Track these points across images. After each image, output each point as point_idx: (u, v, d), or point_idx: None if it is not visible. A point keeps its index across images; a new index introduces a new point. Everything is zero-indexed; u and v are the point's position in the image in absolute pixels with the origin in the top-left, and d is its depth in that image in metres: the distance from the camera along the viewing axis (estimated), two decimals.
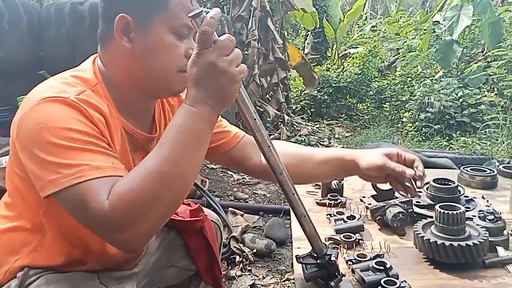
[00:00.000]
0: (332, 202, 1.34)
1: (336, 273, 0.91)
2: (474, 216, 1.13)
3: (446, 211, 0.98)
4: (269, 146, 0.84)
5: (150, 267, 1.16)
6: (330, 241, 1.11)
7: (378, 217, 1.20)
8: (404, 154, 1.06)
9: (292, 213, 0.94)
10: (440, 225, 1.00)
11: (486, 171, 1.54)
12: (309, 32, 9.50)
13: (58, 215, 0.84)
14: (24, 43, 2.87)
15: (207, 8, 5.53)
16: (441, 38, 6.30)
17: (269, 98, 5.57)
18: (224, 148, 1.13)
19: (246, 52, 4.94)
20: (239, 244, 2.36)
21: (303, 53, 7.43)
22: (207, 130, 0.77)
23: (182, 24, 0.87)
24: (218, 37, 0.73)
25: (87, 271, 0.93)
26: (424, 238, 0.99)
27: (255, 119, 0.81)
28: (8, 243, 0.92)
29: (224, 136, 1.13)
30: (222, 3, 5.71)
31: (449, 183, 1.31)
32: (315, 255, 0.91)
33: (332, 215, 1.24)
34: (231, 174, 3.67)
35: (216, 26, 0.72)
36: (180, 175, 0.74)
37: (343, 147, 5.03)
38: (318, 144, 4.66)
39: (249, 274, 2.20)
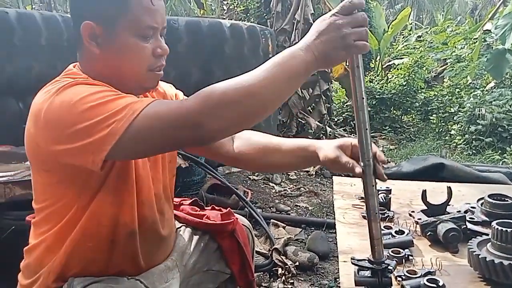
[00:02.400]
0: (380, 216, 1.31)
1: (389, 286, 0.88)
2: None
3: (504, 229, 0.94)
4: (366, 129, 0.85)
5: (190, 268, 1.21)
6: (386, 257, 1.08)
7: (429, 233, 1.15)
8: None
9: (337, 222, 0.93)
10: (498, 243, 0.95)
11: None
12: None
13: (93, 196, 0.91)
14: (62, 59, 3.04)
15: (251, 22, 5.65)
16: (492, 48, 6.03)
17: (311, 110, 5.55)
18: None
19: None
20: (282, 256, 2.35)
21: (346, 65, 7.36)
22: (303, 74, 0.82)
23: (145, 27, 0.92)
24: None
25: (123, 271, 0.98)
26: (480, 257, 0.95)
27: (363, 98, 0.84)
28: (45, 250, 0.97)
29: None
30: (266, 16, 5.80)
31: (506, 199, 1.24)
32: (373, 261, 0.89)
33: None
34: (273, 186, 3.68)
35: (362, 6, 0.80)
36: (263, 97, 0.80)
37: (387, 160, 4.90)
38: None
39: (292, 287, 2.18)
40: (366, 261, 0.89)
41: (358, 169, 0.91)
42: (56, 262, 0.95)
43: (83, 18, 0.91)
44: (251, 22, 5.46)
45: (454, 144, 5.49)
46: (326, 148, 1.02)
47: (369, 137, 0.86)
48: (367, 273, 0.89)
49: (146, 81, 0.97)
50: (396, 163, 4.57)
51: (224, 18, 6.25)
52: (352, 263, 0.91)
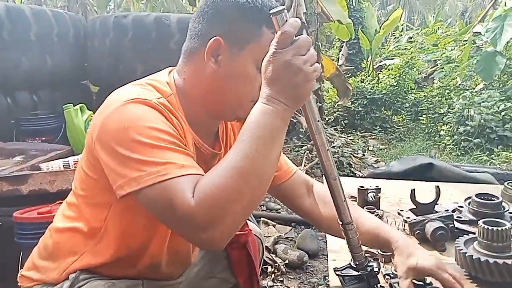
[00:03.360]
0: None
1: (377, 286, 0.89)
2: None
3: (490, 227, 0.95)
4: (327, 150, 0.84)
5: (193, 276, 1.19)
6: (366, 255, 1.09)
7: (417, 232, 1.17)
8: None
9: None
10: (484, 241, 0.96)
11: None
12: (344, 43, 9.45)
13: (126, 216, 0.88)
14: (70, 55, 3.02)
15: None
16: (482, 50, 6.10)
17: (301, 109, 5.55)
18: (275, 181, 1.10)
19: None
20: (271, 254, 2.36)
21: (337, 64, 7.39)
22: (282, 127, 0.77)
23: None
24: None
25: (136, 277, 0.96)
26: (467, 255, 0.96)
27: (318, 121, 0.82)
28: (69, 242, 0.95)
29: (277, 169, 1.09)
30: None
31: (493, 199, 1.26)
32: (355, 266, 0.89)
33: None
34: None
35: (298, 28, 0.74)
36: (258, 171, 0.75)
37: (377, 160, 4.94)
38: (351, 156, 4.59)
39: (281, 285, 2.19)
40: (349, 268, 0.90)
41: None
42: (77, 258, 0.94)
43: (213, 33, 0.88)
44: None
45: (443, 144, 5.55)
46: (414, 258, 0.92)
47: (330, 157, 0.85)
48: (353, 280, 0.89)
49: (244, 111, 0.90)
50: (386, 163, 4.60)
51: None
52: (337, 274, 0.91)
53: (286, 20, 0.75)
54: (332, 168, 0.85)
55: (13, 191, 1.67)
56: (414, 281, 0.91)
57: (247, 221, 1.27)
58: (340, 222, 0.89)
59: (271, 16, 0.76)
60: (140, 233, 0.93)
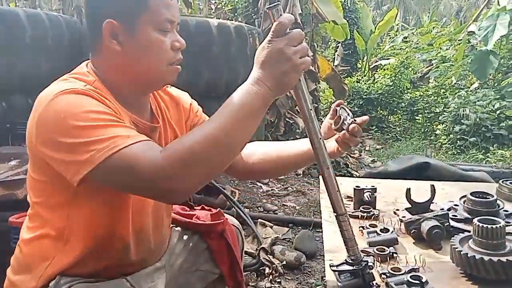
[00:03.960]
0: (365, 214, 1.32)
1: (372, 283, 0.89)
2: None
3: (485, 225, 0.96)
4: (320, 138, 0.87)
5: (177, 268, 1.20)
6: (363, 254, 1.10)
7: (413, 230, 1.17)
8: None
9: (323, 220, 0.95)
10: (479, 239, 0.97)
11: None
12: (339, 44, 9.48)
13: (87, 207, 0.90)
14: (65, 58, 3.01)
15: (239, 21, 5.64)
16: (476, 49, 6.13)
17: (299, 110, 5.56)
18: None
19: None
20: (269, 255, 2.36)
21: (333, 65, 7.41)
22: (262, 109, 0.83)
23: (164, 20, 0.93)
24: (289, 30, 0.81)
25: (113, 270, 0.97)
26: (462, 253, 0.96)
27: (311, 109, 0.86)
28: (39, 250, 0.96)
29: None
30: (253, 16, 5.81)
31: (488, 197, 1.27)
32: (351, 261, 0.90)
33: (365, 228, 1.22)
34: (260, 186, 3.68)
35: (292, 22, 0.81)
36: (229, 143, 0.80)
37: (374, 160, 4.95)
38: (348, 156, 4.61)
39: (279, 286, 2.19)
40: (345, 264, 0.90)
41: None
42: (51, 265, 0.94)
43: (103, 17, 0.90)
44: (238, 22, 5.45)
45: (439, 143, 5.57)
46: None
47: (323, 145, 0.88)
48: (349, 276, 0.90)
49: (166, 76, 0.98)
50: (382, 163, 4.62)
51: (211, 17, 6.24)
52: (332, 270, 0.92)
53: (281, 14, 0.81)
54: (325, 157, 0.88)
55: (9, 195, 1.67)
56: (409, 279, 0.92)
57: (225, 214, 1.32)
58: (334, 214, 0.91)
59: (267, 10, 0.82)
60: (104, 220, 0.94)
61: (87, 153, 0.78)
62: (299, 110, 0.88)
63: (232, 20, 5.98)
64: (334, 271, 0.92)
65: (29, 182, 0.97)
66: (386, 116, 7.27)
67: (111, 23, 0.90)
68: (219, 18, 6.24)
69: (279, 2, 0.82)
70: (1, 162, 2.03)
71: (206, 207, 1.35)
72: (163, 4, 0.92)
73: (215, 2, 7.15)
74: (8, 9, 3.19)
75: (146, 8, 0.91)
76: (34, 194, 0.96)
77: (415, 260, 1.06)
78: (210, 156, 0.79)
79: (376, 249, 1.08)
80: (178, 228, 1.26)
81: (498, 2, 5.83)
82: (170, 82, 1.01)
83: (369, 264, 0.89)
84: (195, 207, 1.36)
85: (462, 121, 5.31)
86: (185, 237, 1.25)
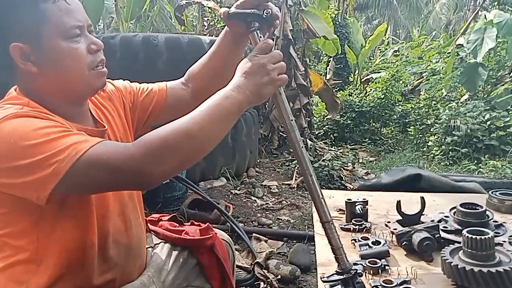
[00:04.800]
0: (357, 227, 1.33)
1: None
2: (505, 241, 1.10)
3: (474, 236, 0.97)
4: (302, 147, 0.93)
5: (169, 285, 1.19)
6: (355, 267, 1.10)
7: (404, 243, 1.18)
8: None
9: (316, 234, 0.96)
10: (469, 250, 0.98)
11: None
12: (331, 59, 9.59)
13: (55, 225, 0.89)
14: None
15: None
16: (466, 61, 6.24)
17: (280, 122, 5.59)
18: (161, 102, 1.19)
19: None
20: (263, 270, 2.34)
21: (325, 79, 7.49)
22: (236, 114, 0.89)
23: (69, 27, 0.90)
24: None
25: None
26: (452, 264, 0.97)
27: (291, 120, 0.94)
28: (12, 276, 0.92)
29: (153, 94, 1.19)
30: None
31: (477, 208, 1.28)
32: (340, 271, 0.91)
33: (357, 241, 1.23)
34: (255, 200, 3.68)
35: (273, 45, 0.92)
36: (201, 139, 0.86)
37: (367, 172, 4.97)
38: (342, 169, 4.63)
39: None
40: (335, 274, 0.91)
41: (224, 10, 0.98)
42: (25, 287, 0.91)
43: (8, 42, 0.88)
44: None
45: (432, 155, 5.62)
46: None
47: (306, 153, 0.94)
48: (340, 286, 0.91)
49: (92, 81, 0.96)
50: (376, 175, 4.64)
51: (205, 34, 6.30)
52: (323, 281, 0.93)
53: (260, 37, 0.94)
54: (308, 164, 0.93)
55: None
56: None
57: (216, 227, 1.31)
58: (321, 222, 0.94)
59: (249, 33, 0.94)
60: (73, 233, 0.93)
61: (49, 166, 0.78)
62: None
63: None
64: (325, 282, 0.92)
65: None
66: (379, 129, 7.33)
67: (18, 46, 0.88)
68: (212, 35, 6.31)
69: (257, 26, 0.94)
70: None
71: (195, 223, 1.35)
72: (62, 12, 0.89)
73: (208, 19, 7.23)
74: None
75: (46, 21, 0.88)
76: None
77: (407, 272, 1.07)
78: (182, 145, 0.83)
79: (368, 262, 1.09)
80: (168, 244, 1.25)
81: (485, 16, 5.96)
82: (100, 86, 0.99)
83: (359, 271, 0.89)
84: (184, 223, 1.36)
85: (453, 132, 5.37)
86: (174, 253, 1.24)
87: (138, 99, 1.17)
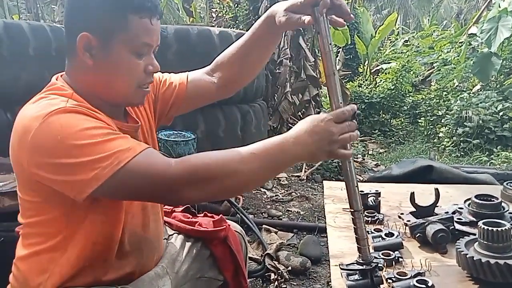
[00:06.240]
0: (369, 219, 1.32)
1: (380, 284, 0.89)
2: None
3: (490, 228, 0.96)
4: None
5: (183, 276, 1.20)
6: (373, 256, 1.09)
7: (418, 234, 1.17)
8: None
9: (328, 226, 0.95)
10: (484, 242, 0.97)
11: None
12: (340, 49, 9.50)
13: (86, 214, 0.90)
14: (51, 68, 3.03)
15: (240, 29, 5.67)
16: (478, 51, 6.14)
17: (301, 116, 5.57)
18: (182, 95, 1.17)
19: (278, 70, 5.00)
20: (274, 261, 2.35)
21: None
22: (286, 166, 0.91)
23: (141, 44, 0.93)
24: None
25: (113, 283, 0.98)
26: (468, 256, 0.96)
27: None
28: (36, 264, 0.95)
29: (174, 87, 1.17)
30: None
31: (492, 199, 1.27)
32: (361, 261, 0.90)
33: (370, 232, 1.22)
34: (264, 191, 3.68)
35: (351, 114, 0.88)
36: (245, 181, 0.87)
37: (377, 164, 4.94)
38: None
39: None
40: (355, 264, 0.91)
41: (307, 18, 0.93)
42: (49, 278, 0.93)
43: (80, 29, 0.90)
44: (240, 29, 5.48)
45: (443, 146, 5.56)
46: (279, 13, 1.01)
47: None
48: (357, 276, 0.90)
49: (134, 97, 0.98)
50: (386, 166, 4.61)
51: (213, 26, 6.28)
52: (341, 269, 0.92)
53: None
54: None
55: (15, 206, 1.66)
56: (415, 283, 0.92)
57: (226, 219, 1.33)
58: (351, 210, 0.92)
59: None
60: (101, 227, 0.94)
61: (91, 171, 0.80)
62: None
63: (233, 28, 6.02)
64: (343, 269, 0.92)
65: (21, 206, 0.96)
66: (389, 120, 7.26)
67: (87, 36, 0.89)
68: (220, 26, 6.28)
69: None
70: (6, 172, 2.04)
71: (208, 214, 1.36)
72: (143, 28, 0.92)
73: (216, 11, 7.19)
74: (12, 22, 3.23)
75: (125, 29, 0.90)
76: (28, 215, 0.95)
77: (421, 264, 1.06)
78: (223, 181, 0.84)
79: (382, 254, 1.09)
80: (181, 236, 1.26)
81: (499, 4, 5.84)
82: (137, 103, 1.02)
83: (379, 265, 0.89)
84: (197, 214, 1.37)
85: (465, 123, 5.30)
86: (188, 244, 1.25)
87: (160, 91, 1.17)
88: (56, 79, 0.97)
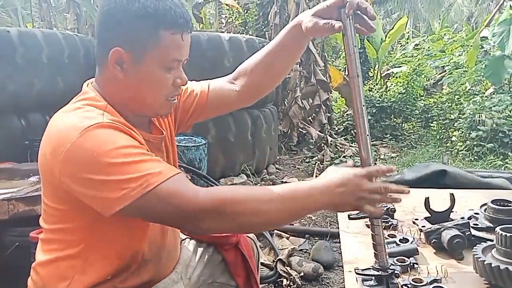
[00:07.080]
0: (383, 224, 1.30)
1: None
2: None
3: (509, 234, 0.93)
4: (367, 135, 0.92)
5: (195, 281, 1.21)
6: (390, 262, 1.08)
7: (433, 240, 1.15)
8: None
9: (341, 231, 0.95)
10: (502, 248, 0.95)
11: None
12: None
13: (109, 227, 0.91)
14: (80, 75, 3.07)
15: (250, 34, 5.69)
16: (490, 54, 6.06)
17: (312, 120, 5.57)
18: (202, 104, 1.17)
19: (288, 75, 5.00)
20: (286, 267, 2.34)
21: (345, 74, 7.40)
22: (310, 212, 0.94)
23: (172, 59, 0.94)
24: None
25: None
26: (486, 263, 0.94)
27: (363, 105, 0.92)
28: (57, 270, 0.96)
29: (195, 96, 1.17)
30: (264, 29, 5.86)
31: (509, 204, 1.24)
32: (378, 267, 0.89)
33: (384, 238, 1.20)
34: None
35: (382, 175, 0.90)
36: (268, 221, 0.88)
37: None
38: None
39: None
40: (371, 269, 0.89)
41: (338, 24, 0.92)
42: (70, 283, 0.94)
43: (113, 44, 0.91)
44: (249, 35, 5.51)
45: (456, 150, 5.48)
46: (305, 19, 1.02)
47: (369, 143, 0.92)
48: (373, 281, 0.89)
49: (161, 109, 1.00)
50: (398, 171, 4.56)
51: (223, 32, 6.31)
52: (357, 273, 0.91)
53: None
54: (369, 155, 0.92)
55: (29, 211, 1.70)
56: None
57: None
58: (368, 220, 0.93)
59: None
60: (123, 239, 0.95)
61: (120, 190, 0.81)
62: (350, 106, 0.94)
63: (243, 33, 6.04)
64: (358, 274, 0.91)
65: (44, 211, 0.97)
66: (400, 124, 7.19)
67: (119, 51, 0.91)
68: (230, 32, 6.31)
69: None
70: (21, 178, 2.07)
71: None
72: (175, 44, 0.93)
73: (226, 17, 7.23)
74: (26, 30, 3.29)
75: (157, 45, 0.91)
76: (51, 221, 0.96)
77: (437, 270, 1.04)
78: (246, 218, 0.85)
79: (396, 260, 1.07)
80: (193, 241, 1.26)
81: (511, 6, 5.77)
82: (164, 114, 1.04)
83: (396, 272, 0.88)
84: None
85: (478, 127, 5.23)
86: (200, 249, 1.25)
87: (181, 99, 1.16)
88: (87, 86, 0.99)
